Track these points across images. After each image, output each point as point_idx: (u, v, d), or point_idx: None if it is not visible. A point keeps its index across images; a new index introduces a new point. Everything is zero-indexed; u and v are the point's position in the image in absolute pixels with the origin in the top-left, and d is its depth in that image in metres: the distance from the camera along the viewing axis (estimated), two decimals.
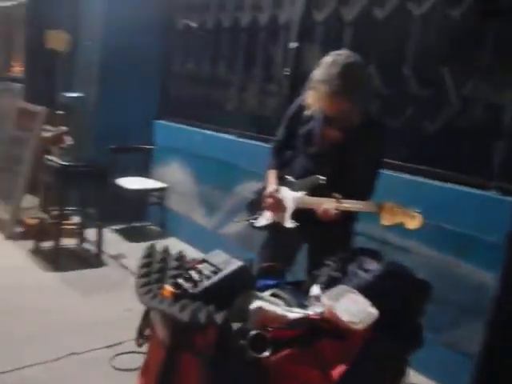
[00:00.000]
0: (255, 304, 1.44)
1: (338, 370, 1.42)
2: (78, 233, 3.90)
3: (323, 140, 2.02)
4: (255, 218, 2.23)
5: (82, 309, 2.87)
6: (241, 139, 3.79)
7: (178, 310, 1.33)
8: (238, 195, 2.51)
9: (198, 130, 4.17)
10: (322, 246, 2.04)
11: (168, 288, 1.49)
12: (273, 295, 1.66)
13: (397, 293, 1.65)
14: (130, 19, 4.25)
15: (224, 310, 1.37)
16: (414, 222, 1.76)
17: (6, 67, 5.97)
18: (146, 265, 1.65)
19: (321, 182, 2.00)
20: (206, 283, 1.48)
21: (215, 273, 1.52)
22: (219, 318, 1.33)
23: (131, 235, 4.17)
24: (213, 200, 3.98)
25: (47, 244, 3.61)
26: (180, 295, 1.46)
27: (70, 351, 2.39)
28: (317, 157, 2.04)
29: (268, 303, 1.49)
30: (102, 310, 2.80)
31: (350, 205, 1.86)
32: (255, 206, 2.26)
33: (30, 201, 4.20)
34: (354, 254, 1.83)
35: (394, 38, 2.86)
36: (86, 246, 3.89)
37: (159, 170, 4.55)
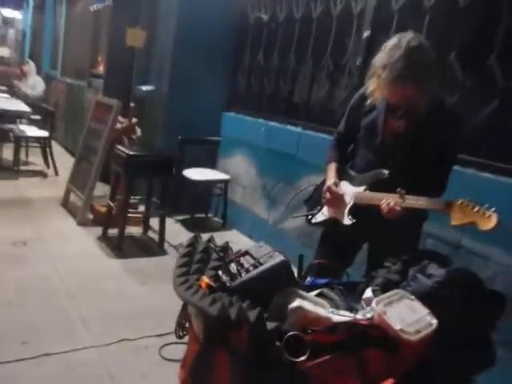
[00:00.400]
0: (295, 303, 1.35)
1: None
2: (143, 221, 4.02)
3: (386, 131, 1.93)
4: (313, 214, 2.19)
5: (139, 296, 2.95)
6: (307, 131, 3.79)
7: (208, 303, 1.27)
8: (301, 189, 2.52)
9: (264, 121, 4.23)
10: (383, 246, 1.94)
11: (205, 279, 1.43)
12: (319, 295, 1.58)
13: (462, 303, 1.50)
14: (202, 14, 4.41)
15: (260, 306, 1.28)
16: (487, 223, 1.55)
17: (92, 65, 6.42)
18: (187, 254, 1.61)
19: (384, 176, 1.91)
20: (244, 277, 1.43)
21: (255, 266, 1.46)
22: (253, 314, 1.26)
23: (193, 226, 4.25)
24: (275, 193, 4.01)
25: (114, 231, 3.76)
26: (216, 288, 1.40)
27: (122, 337, 2.45)
28: (380, 149, 1.95)
29: (311, 303, 1.40)
30: (157, 299, 2.84)
31: (414, 201, 1.72)
32: (314, 201, 2.22)
33: (102, 189, 4.40)
34: (417, 257, 1.70)
35: (478, 25, 2.63)
36: (150, 234, 4.01)
37: (224, 161, 4.65)
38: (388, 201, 1.77)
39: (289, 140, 3.88)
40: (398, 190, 1.74)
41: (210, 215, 4.67)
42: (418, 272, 1.61)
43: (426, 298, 1.47)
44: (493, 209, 1.56)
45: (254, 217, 4.23)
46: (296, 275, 1.75)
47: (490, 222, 1.55)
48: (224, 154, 4.65)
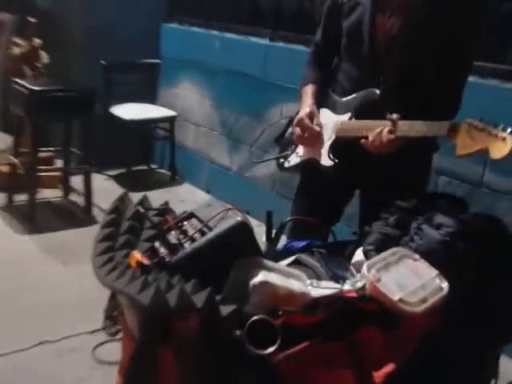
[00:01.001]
0: (259, 277, 1.33)
1: (382, 373, 1.31)
2: (62, 181, 3.96)
3: (374, 34, 1.89)
4: (285, 156, 2.19)
5: (61, 282, 2.92)
6: (276, 43, 3.76)
7: (138, 288, 1.24)
8: (270, 123, 2.53)
9: (219, 33, 4.19)
10: (379, 191, 1.97)
11: (135, 256, 1.41)
12: (294, 263, 1.58)
13: (483, 260, 1.52)
14: None
15: (211, 286, 1.27)
16: (501, 148, 1.52)
17: None
18: (111, 223, 1.58)
19: (374, 97, 1.89)
20: (188, 248, 1.40)
21: (203, 233, 1.43)
22: (200, 298, 1.23)
23: (131, 183, 4.21)
24: (238, 131, 4.02)
25: (23, 197, 3.69)
26: (150, 266, 1.38)
27: (42, 339, 2.45)
28: (367, 61, 1.93)
29: (280, 275, 1.39)
30: (84, 284, 2.80)
31: (408, 127, 1.73)
32: (288, 138, 2.21)
33: (2, 141, 4.27)
34: (424, 203, 1.72)
35: None
36: (73, 198, 3.96)
37: (167, 92, 4.60)
38: (376, 130, 1.77)
39: (253, 57, 3.83)
40: (389, 116, 1.75)
41: (153, 166, 4.67)
42: (423, 222, 1.61)
43: (433, 255, 1.49)
44: (510, 129, 1.55)
45: (212, 164, 4.25)
46: (264, 239, 1.77)
47: (504, 146, 1.51)
48: (166, 83, 4.60)
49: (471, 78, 2.16)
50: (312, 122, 2.02)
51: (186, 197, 4.03)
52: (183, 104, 4.47)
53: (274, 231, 1.80)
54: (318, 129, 2.01)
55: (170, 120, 4.39)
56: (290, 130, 2.23)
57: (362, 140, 1.83)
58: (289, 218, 1.92)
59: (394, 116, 1.75)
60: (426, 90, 1.83)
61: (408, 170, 1.94)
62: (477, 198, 2.59)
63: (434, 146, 2.03)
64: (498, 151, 1.50)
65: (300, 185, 2.24)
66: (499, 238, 1.59)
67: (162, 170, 4.60)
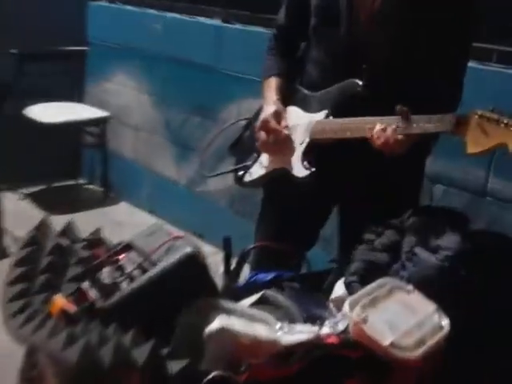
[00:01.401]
0: (216, 322, 1.34)
1: None
2: None
3: (353, 12, 1.91)
4: (245, 168, 2.19)
5: None
6: (231, 25, 3.76)
7: (62, 343, 1.23)
8: (223, 126, 2.52)
9: (160, 13, 4.19)
10: (363, 206, 2.00)
11: (59, 301, 1.40)
12: (260, 302, 1.59)
13: (489, 287, 1.57)
14: None
15: (155, 337, 1.27)
16: None
17: None
18: (27, 259, 1.56)
19: (356, 89, 1.91)
20: (126, 289, 1.41)
21: (144, 270, 1.44)
22: (142, 353, 1.23)
23: (54, 203, 4.16)
24: (186, 135, 4.01)
25: None
26: (77, 314, 1.37)
27: None
28: (345, 46, 1.95)
29: (243, 319, 1.40)
30: None
31: (424, 123, 1.74)
32: (247, 145, 2.22)
33: None
34: (417, 220, 1.76)
35: None
36: None
37: (97, 88, 4.58)
38: (381, 126, 1.77)
39: (203, 41, 3.84)
40: (399, 107, 1.76)
41: (81, 181, 4.65)
42: (417, 245, 1.64)
43: (430, 285, 1.52)
44: None
45: (156, 177, 4.24)
46: (222, 271, 1.78)
47: None
48: (96, 76, 4.58)
49: (472, 64, 2.20)
50: (279, 124, 2.03)
51: (123, 219, 3.99)
52: (117, 102, 4.43)
53: (233, 261, 1.82)
54: (286, 132, 2.02)
55: (102, 122, 4.37)
56: (248, 133, 2.24)
57: (371, 136, 1.80)
58: (252, 245, 1.94)
59: (403, 107, 1.74)
60: (419, 78, 1.86)
61: (397, 179, 1.97)
62: (480, 209, 2.63)
63: (426, 149, 2.05)
64: None
65: (265, 202, 2.24)
66: (509, 260, 1.64)
67: (93, 186, 4.57)
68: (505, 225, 2.51)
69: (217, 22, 3.83)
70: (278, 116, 2.03)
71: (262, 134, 2.03)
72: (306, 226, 2.18)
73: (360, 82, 1.90)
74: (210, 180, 3.79)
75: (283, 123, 2.03)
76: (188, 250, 1.43)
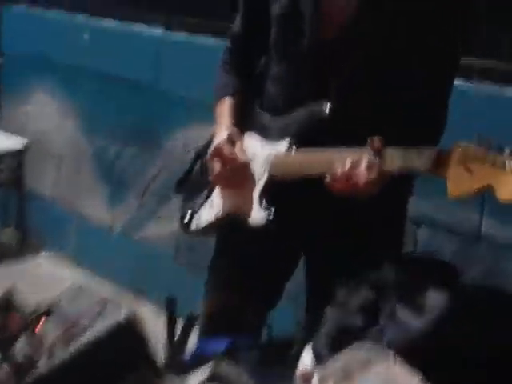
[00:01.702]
0: None
1: None
2: None
3: (320, 19, 1.95)
4: (192, 211, 2.20)
5: None
6: (175, 34, 3.83)
7: None
8: (176, 158, 2.53)
9: (87, 20, 4.25)
10: (334, 257, 2.00)
11: None
12: (212, 378, 1.59)
13: (486, 355, 1.56)
14: None
15: None
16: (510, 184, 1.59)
17: None
18: None
19: (323, 114, 1.92)
20: (46, 366, 1.40)
21: (67, 341, 1.44)
22: None
23: None
24: (121, 168, 4.02)
25: None
26: None
27: None
28: (311, 59, 1.98)
29: None
30: None
31: (400, 157, 1.75)
32: (195, 182, 2.24)
33: None
34: (398, 273, 1.76)
35: None
36: None
37: (11, 109, 4.59)
38: (346, 163, 1.78)
39: (140, 54, 3.88)
40: (372, 139, 1.76)
41: None
42: (397, 305, 1.65)
43: (414, 353, 1.53)
44: None
45: (84, 221, 4.24)
46: (166, 338, 1.76)
47: None
48: (10, 94, 4.60)
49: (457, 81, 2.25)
50: (234, 150, 2.04)
51: (43, 275, 3.95)
52: (36, 127, 4.43)
53: (179, 325, 1.81)
54: (244, 158, 2.03)
55: (17, 155, 4.35)
56: (196, 169, 2.25)
57: (327, 179, 1.80)
58: (202, 306, 1.95)
59: (376, 140, 1.74)
60: (395, 101, 1.89)
61: (374, 223, 1.99)
62: (472, 255, 2.67)
63: (408, 183, 2.07)
64: (506, 189, 1.55)
65: (218, 249, 2.25)
66: (503, 321, 1.64)
67: (6, 232, 4.47)
68: (501, 273, 2.56)
69: (158, 30, 3.88)
70: (232, 141, 2.05)
71: (216, 163, 2.04)
72: (268, 279, 2.18)
73: (327, 105, 1.91)
74: (150, 225, 3.82)
75: (238, 149, 2.04)
76: (122, 316, 1.44)
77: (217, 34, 3.51)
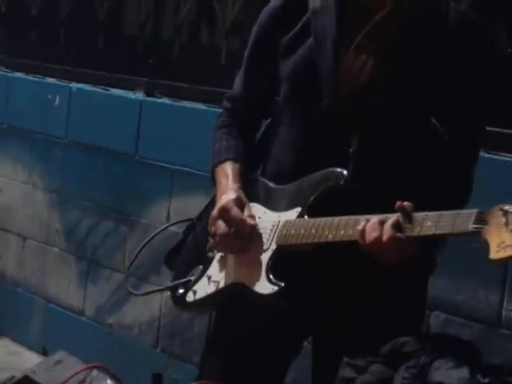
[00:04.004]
0: None
1: None
2: None
3: (343, 80, 2.00)
4: (187, 284, 2.20)
5: None
6: (158, 100, 3.88)
7: None
8: (153, 233, 2.48)
9: (61, 83, 4.30)
10: (346, 337, 1.98)
11: None
12: None
13: None
14: None
15: None
16: None
17: None
18: None
19: (340, 180, 1.94)
20: None
21: None
22: None
23: None
24: (96, 245, 4.01)
25: None
26: None
27: None
28: (326, 122, 2.01)
29: None
30: None
31: (432, 222, 1.76)
32: (187, 257, 2.26)
33: None
34: (412, 349, 1.78)
35: None
36: None
37: None
38: (379, 218, 1.77)
39: (118, 120, 3.95)
40: (399, 203, 1.76)
41: None
42: (412, 380, 1.68)
43: None
44: None
45: (51, 305, 4.20)
46: None
47: None
48: None
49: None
50: (242, 212, 2.05)
51: (3, 362, 3.90)
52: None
53: None
54: (253, 222, 2.05)
55: None
56: (188, 243, 2.27)
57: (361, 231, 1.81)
58: None
59: (406, 204, 1.76)
60: (419, 167, 1.94)
61: (393, 301, 1.99)
62: (492, 343, 2.65)
63: (430, 261, 2.09)
64: None
65: (214, 332, 2.25)
66: None
67: None
68: None
69: (138, 95, 3.94)
70: (240, 204, 2.07)
71: (221, 225, 2.04)
72: (269, 365, 2.17)
73: (345, 172, 1.93)
74: (126, 309, 3.79)
75: (247, 212, 2.06)
76: (108, 382, 1.44)
77: (200, 99, 3.61)
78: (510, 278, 2.61)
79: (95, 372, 1.52)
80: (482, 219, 1.66)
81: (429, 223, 1.73)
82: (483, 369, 1.71)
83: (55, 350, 3.87)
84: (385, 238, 1.75)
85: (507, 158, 2.76)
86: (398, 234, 1.75)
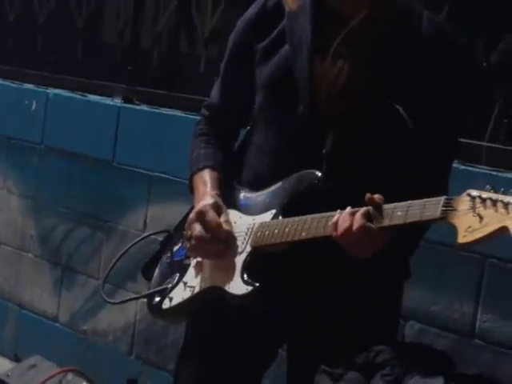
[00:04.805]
0: None
1: None
2: None
3: (320, 87, 2.02)
4: (163, 291, 2.21)
5: None
6: (136, 106, 3.89)
7: None
8: (132, 242, 2.47)
9: (37, 88, 4.31)
10: (321, 342, 1.99)
11: None
12: None
13: None
14: None
15: None
16: None
17: None
18: None
19: (314, 181, 1.97)
20: None
21: None
22: None
23: None
24: (72, 253, 4.00)
25: None
26: None
27: None
28: (301, 127, 2.03)
29: None
30: None
31: (402, 212, 1.77)
32: (165, 266, 2.27)
33: None
34: (387, 358, 1.80)
35: None
36: None
37: None
38: (351, 210, 1.80)
39: (96, 127, 3.94)
40: (369, 195, 1.76)
41: None
42: None
43: None
44: None
45: (23, 312, 4.18)
46: None
47: None
48: None
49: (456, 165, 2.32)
50: (220, 218, 2.06)
51: None
52: None
53: None
54: (229, 227, 2.06)
55: None
56: (167, 253, 2.27)
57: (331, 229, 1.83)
58: None
59: (376, 196, 1.79)
60: (393, 170, 1.96)
61: (367, 308, 2.00)
62: (466, 354, 2.66)
63: (405, 270, 2.11)
64: None
65: (188, 338, 2.25)
66: None
67: None
68: (498, 375, 2.55)
69: (116, 101, 3.95)
70: (218, 209, 2.08)
71: (197, 227, 2.05)
72: (244, 372, 2.17)
73: (319, 173, 1.96)
74: (101, 315, 3.77)
75: (224, 217, 2.07)
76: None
77: (179, 106, 3.63)
78: (484, 290, 2.62)
79: (70, 375, 1.51)
80: (449, 205, 1.70)
81: (399, 213, 1.77)
82: (457, 378, 1.74)
83: (28, 356, 3.90)
84: (355, 226, 1.77)
85: (481, 170, 2.77)
86: (368, 224, 1.77)
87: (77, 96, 4.13)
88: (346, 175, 1.97)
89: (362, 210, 1.80)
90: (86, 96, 4.09)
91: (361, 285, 1.94)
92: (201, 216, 2.05)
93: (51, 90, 4.22)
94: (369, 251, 1.81)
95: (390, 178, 1.94)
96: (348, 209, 1.82)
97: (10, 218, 4.32)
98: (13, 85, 4.44)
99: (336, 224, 1.81)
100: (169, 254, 2.26)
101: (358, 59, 1.98)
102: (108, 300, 2.56)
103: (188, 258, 2.18)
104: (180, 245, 2.24)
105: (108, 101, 3.99)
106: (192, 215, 2.08)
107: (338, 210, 1.85)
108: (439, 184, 1.99)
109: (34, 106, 4.22)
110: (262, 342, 2.16)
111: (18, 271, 4.27)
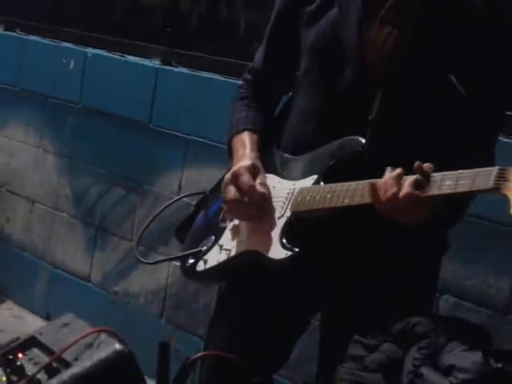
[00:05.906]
0: None
1: None
2: None
3: (367, 51, 2.00)
4: (198, 254, 2.20)
5: None
6: (174, 68, 3.88)
7: None
8: (166, 203, 2.47)
9: (76, 47, 4.30)
10: (356, 312, 2.00)
11: None
12: None
13: None
14: None
15: None
16: None
17: None
18: None
19: (358, 149, 1.95)
20: None
21: (53, 372, 1.44)
22: None
23: None
24: (105, 212, 4.04)
25: None
26: None
27: None
28: (349, 93, 2.01)
29: None
30: None
31: (452, 182, 1.75)
32: (198, 229, 2.27)
33: None
34: (424, 331, 1.77)
35: None
36: None
37: None
38: (397, 172, 1.77)
39: (134, 88, 3.95)
40: (417, 163, 1.75)
41: None
42: (423, 363, 1.67)
43: None
44: None
45: (56, 270, 4.23)
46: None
47: None
48: None
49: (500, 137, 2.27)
50: (255, 180, 2.05)
51: (6, 326, 3.91)
52: (7, 163, 4.45)
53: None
54: (264, 190, 2.05)
55: None
56: (200, 216, 2.28)
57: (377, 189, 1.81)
58: (200, 354, 1.95)
59: (426, 165, 1.76)
60: (440, 139, 1.94)
61: (405, 279, 2.00)
62: (501, 329, 2.65)
63: (444, 242, 2.11)
64: None
65: (221, 302, 2.27)
66: None
67: None
68: None
69: (154, 62, 3.94)
70: (254, 171, 2.07)
71: (232, 190, 2.04)
72: (277, 336, 2.17)
73: (363, 140, 1.94)
74: (133, 278, 3.79)
75: (261, 179, 2.06)
76: (116, 345, 1.43)
77: (220, 70, 3.60)
78: None
79: (103, 335, 1.51)
80: (502, 176, 1.65)
81: (448, 182, 1.73)
82: (495, 354, 1.70)
83: (59, 315, 3.96)
84: (402, 193, 1.74)
85: None
86: (417, 192, 1.74)
87: (115, 56, 4.13)
88: (390, 144, 1.95)
89: (411, 178, 1.76)
90: (124, 57, 4.09)
91: (400, 254, 1.93)
92: (235, 178, 2.05)
93: (90, 50, 4.22)
94: (413, 220, 1.79)
95: (436, 148, 1.91)
96: (394, 172, 1.79)
97: (44, 177, 4.35)
98: (51, 43, 4.43)
99: (380, 189, 1.79)
100: (204, 217, 2.26)
101: (406, 25, 1.96)
102: (142, 260, 2.57)
103: (224, 220, 2.17)
104: (216, 207, 2.23)
105: (146, 62, 3.99)
106: (227, 176, 2.08)
107: (383, 178, 1.83)
108: (487, 155, 1.96)
109: (71, 65, 4.22)
110: (295, 309, 2.16)
111: (52, 230, 4.31)
